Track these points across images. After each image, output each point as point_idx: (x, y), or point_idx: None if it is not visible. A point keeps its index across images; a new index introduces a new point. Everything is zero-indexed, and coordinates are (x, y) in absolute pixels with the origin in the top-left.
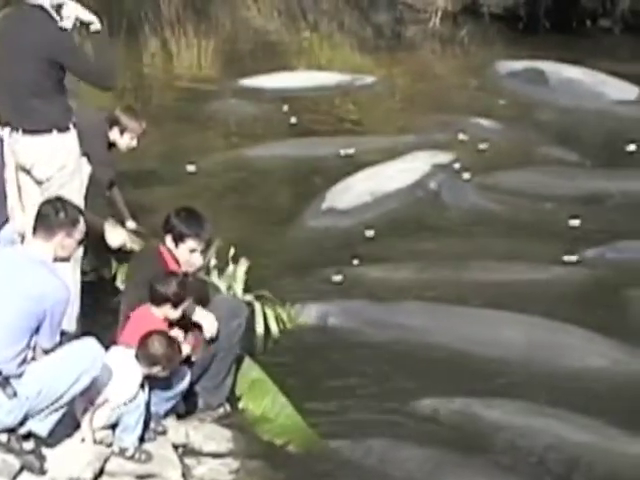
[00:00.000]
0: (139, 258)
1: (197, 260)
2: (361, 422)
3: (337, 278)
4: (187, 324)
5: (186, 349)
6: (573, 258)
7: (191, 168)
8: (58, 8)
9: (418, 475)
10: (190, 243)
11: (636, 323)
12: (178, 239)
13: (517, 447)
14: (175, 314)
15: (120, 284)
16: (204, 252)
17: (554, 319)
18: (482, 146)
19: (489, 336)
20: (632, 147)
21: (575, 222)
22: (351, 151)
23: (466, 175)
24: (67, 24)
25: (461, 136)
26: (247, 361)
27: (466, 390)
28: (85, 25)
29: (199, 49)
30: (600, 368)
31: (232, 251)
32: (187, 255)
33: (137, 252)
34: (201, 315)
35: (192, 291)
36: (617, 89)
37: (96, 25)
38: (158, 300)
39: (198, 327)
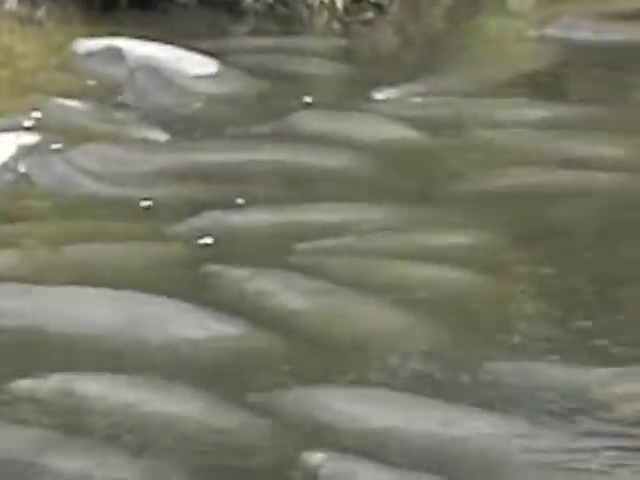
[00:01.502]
0: None
1: None
2: None
3: None
4: None
5: None
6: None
7: None
8: None
9: (24, 455)
10: None
11: (225, 293)
12: None
13: (115, 420)
14: None
15: None
16: None
17: (147, 293)
18: (68, 127)
19: (80, 313)
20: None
21: (147, 203)
22: None
23: (55, 155)
24: None
25: (44, 117)
26: None
27: (62, 368)
28: None
29: None
30: (197, 338)
31: None
32: None
33: None
34: None
35: None
36: (196, 64)
37: None
38: None
39: None
